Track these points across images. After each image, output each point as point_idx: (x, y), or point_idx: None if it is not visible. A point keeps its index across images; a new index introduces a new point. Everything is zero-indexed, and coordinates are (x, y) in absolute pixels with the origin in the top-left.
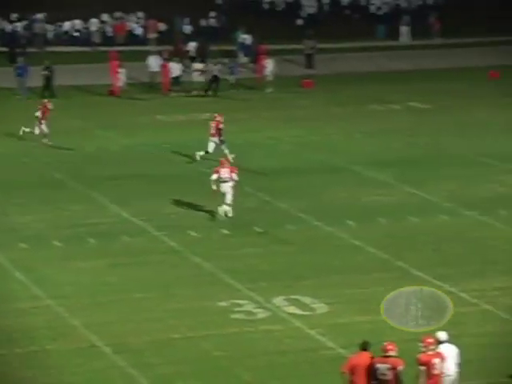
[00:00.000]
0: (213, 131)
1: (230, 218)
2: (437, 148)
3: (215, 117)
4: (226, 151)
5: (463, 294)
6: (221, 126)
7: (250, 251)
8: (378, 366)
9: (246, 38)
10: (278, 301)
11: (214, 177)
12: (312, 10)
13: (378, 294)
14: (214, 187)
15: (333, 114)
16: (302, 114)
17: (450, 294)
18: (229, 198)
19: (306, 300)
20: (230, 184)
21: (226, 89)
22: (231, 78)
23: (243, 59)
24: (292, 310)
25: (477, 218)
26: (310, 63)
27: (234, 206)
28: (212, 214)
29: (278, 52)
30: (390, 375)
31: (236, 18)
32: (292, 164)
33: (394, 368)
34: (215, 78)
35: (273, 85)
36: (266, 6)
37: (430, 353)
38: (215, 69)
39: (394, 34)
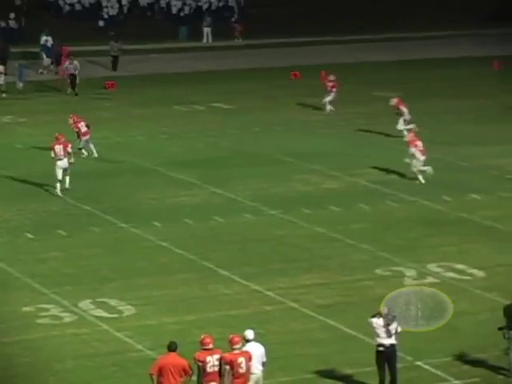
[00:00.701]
0: (84, 130)
1: (68, 189)
2: (240, 148)
3: (72, 117)
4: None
5: (269, 293)
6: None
7: (54, 255)
8: (209, 358)
9: (48, 40)
10: (85, 304)
11: (52, 155)
12: (113, 12)
13: (185, 294)
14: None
15: (137, 115)
16: (106, 116)
17: (256, 292)
18: (66, 173)
19: (113, 302)
20: (66, 160)
21: (18, 93)
22: (18, 84)
23: (46, 61)
24: (99, 312)
25: (280, 216)
26: (115, 65)
27: (38, 209)
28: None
29: (80, 53)
30: (218, 366)
31: (36, 20)
32: (97, 166)
33: (221, 358)
34: (73, 77)
35: (77, 86)
36: (67, 8)
37: (236, 352)
38: (71, 67)
39: (197, 35)
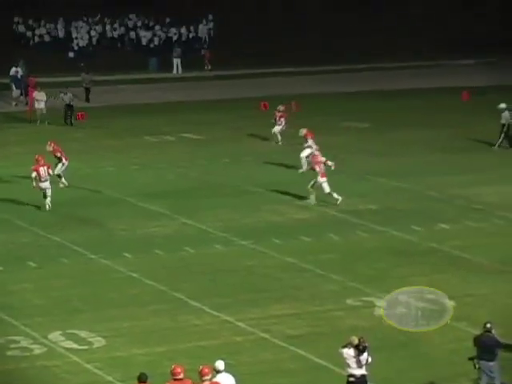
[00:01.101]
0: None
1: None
2: (210, 178)
3: (51, 144)
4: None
5: (240, 323)
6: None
7: (24, 286)
8: None
9: (18, 71)
10: (55, 336)
11: (34, 175)
12: (83, 43)
13: (155, 325)
14: (34, 184)
15: (107, 146)
16: (76, 147)
17: (226, 323)
18: (49, 193)
19: (83, 334)
20: (48, 182)
21: None
22: None
23: (15, 92)
24: (69, 344)
25: (250, 247)
26: (88, 96)
27: (7, 241)
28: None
29: (50, 84)
30: None
31: (5, 51)
32: (68, 197)
33: None
34: (69, 107)
35: (46, 117)
36: (36, 39)
37: (206, 383)
38: (66, 98)
39: (167, 66)
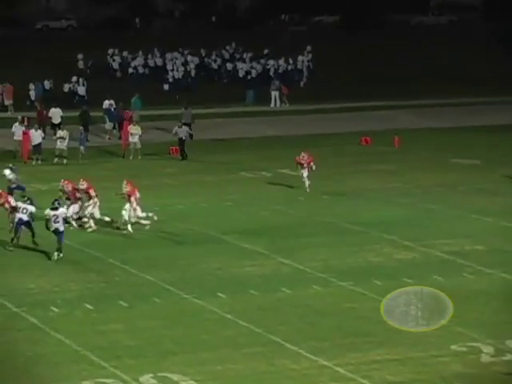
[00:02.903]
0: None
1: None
2: (308, 216)
3: (84, 182)
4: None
5: (339, 369)
6: None
7: (114, 327)
8: None
9: (112, 104)
10: (146, 379)
11: (135, 205)
12: (178, 75)
13: (250, 369)
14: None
15: (200, 181)
16: (169, 182)
17: (325, 368)
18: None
19: (175, 377)
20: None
21: (83, 157)
22: (81, 149)
23: (108, 125)
24: None
25: (350, 288)
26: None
27: (99, 280)
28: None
29: (144, 118)
30: None
31: (99, 83)
32: (160, 234)
33: None
34: (181, 141)
35: (140, 152)
36: (130, 70)
37: None
38: (180, 131)
39: (264, 99)
